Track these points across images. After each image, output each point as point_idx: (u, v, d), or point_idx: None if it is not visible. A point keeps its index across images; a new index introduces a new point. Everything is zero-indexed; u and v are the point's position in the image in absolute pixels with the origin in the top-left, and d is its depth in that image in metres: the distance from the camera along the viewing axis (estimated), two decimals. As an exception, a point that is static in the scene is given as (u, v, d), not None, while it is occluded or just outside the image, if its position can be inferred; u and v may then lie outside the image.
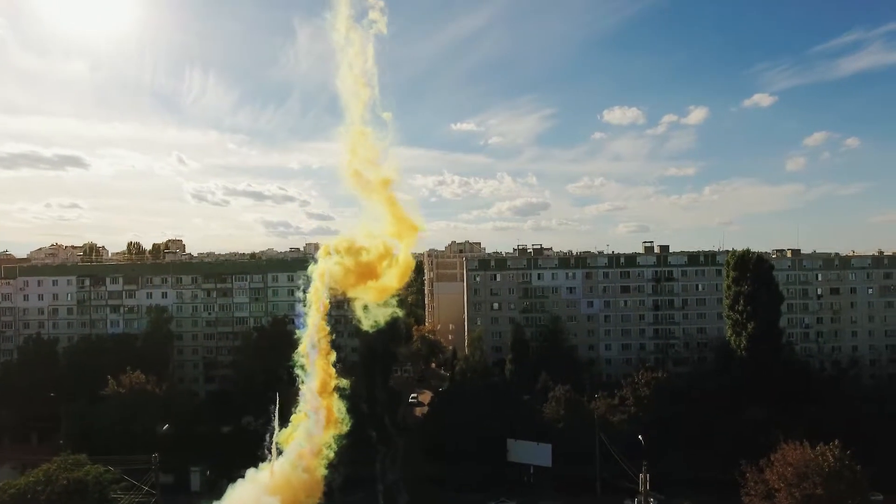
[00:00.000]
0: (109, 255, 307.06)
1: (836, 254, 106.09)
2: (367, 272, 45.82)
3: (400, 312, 54.41)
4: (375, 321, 47.52)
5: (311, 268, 48.79)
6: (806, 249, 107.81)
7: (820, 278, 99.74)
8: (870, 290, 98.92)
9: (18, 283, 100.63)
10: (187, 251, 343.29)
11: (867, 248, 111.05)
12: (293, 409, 51.88)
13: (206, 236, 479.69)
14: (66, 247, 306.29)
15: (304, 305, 50.67)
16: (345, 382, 49.00)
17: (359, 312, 48.06)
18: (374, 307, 46.98)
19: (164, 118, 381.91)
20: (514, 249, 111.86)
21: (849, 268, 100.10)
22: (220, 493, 51.08)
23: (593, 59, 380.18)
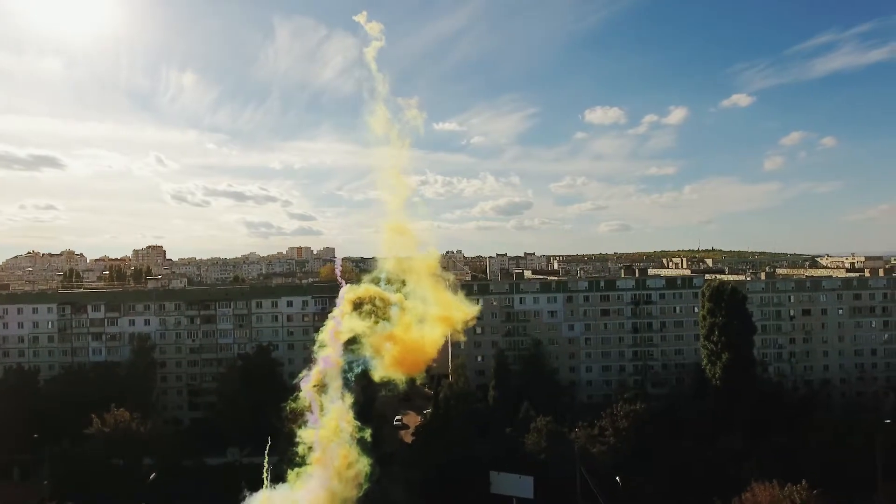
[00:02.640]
0: (88, 261, 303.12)
1: (809, 263, 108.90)
2: (409, 360, 45.60)
3: (420, 378, 52.97)
4: (391, 380, 47.03)
5: (337, 316, 46.82)
6: (783, 248, 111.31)
7: (792, 300, 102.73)
8: (840, 311, 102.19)
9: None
10: (168, 256, 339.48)
11: (842, 245, 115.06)
12: (283, 442, 51.16)
13: (188, 237, 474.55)
14: (43, 255, 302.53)
15: (318, 346, 48.02)
16: (366, 432, 47.21)
17: (377, 368, 46.44)
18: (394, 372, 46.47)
19: (142, 117, 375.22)
20: (497, 255, 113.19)
21: (820, 290, 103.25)
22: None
23: (575, 59, 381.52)
